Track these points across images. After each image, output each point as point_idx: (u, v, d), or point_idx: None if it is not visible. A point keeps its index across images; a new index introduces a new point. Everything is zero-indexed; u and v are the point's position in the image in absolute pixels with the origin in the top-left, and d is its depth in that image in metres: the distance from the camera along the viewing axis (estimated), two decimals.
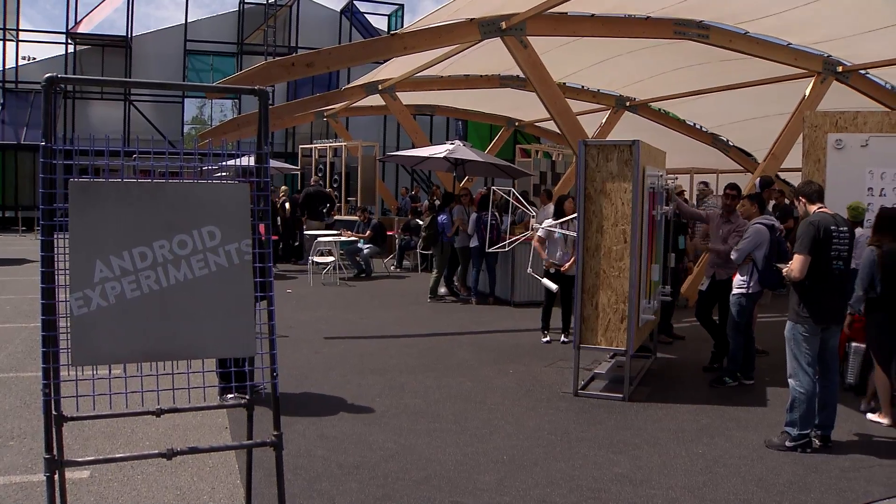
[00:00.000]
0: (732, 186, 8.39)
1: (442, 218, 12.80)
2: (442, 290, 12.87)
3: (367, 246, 15.60)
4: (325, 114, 21.42)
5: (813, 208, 5.97)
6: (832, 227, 5.74)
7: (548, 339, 9.33)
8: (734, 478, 5.15)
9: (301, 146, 23.90)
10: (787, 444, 5.72)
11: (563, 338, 9.36)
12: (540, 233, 9.22)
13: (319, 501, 4.56)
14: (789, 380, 5.83)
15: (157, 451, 3.37)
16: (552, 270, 9.03)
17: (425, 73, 15.77)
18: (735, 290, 7.41)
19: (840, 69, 12.59)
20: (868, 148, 8.72)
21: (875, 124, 8.84)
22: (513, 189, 11.09)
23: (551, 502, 4.65)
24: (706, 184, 14.29)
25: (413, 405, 6.62)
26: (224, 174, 4.02)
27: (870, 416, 6.51)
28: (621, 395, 6.94)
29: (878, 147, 8.69)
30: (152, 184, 3.33)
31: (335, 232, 15.85)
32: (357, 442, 5.62)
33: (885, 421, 6.37)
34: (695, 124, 18.53)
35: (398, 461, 5.25)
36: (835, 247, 5.73)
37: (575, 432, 6.02)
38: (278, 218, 16.95)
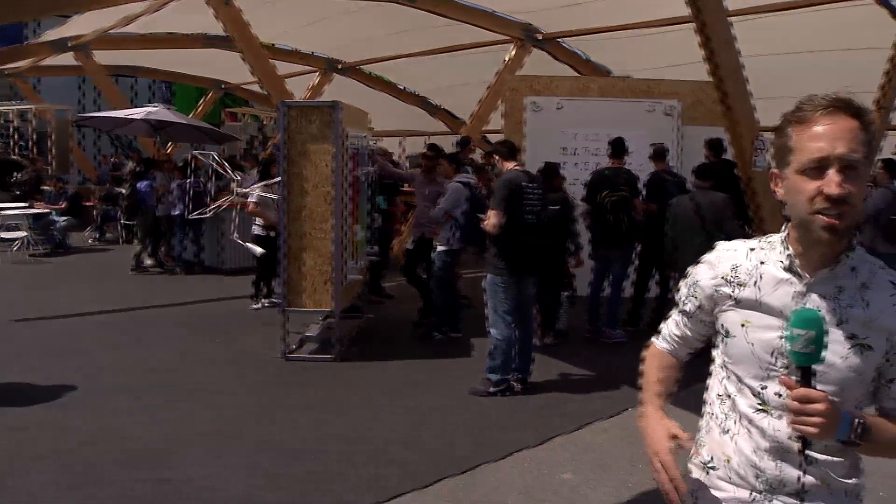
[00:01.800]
0: (431, 147, 8.78)
1: (143, 185, 12.11)
2: (147, 261, 12.21)
3: (63, 218, 14.37)
4: (8, 72, 19.20)
5: (507, 165, 6.37)
6: (525, 184, 6.17)
7: (258, 305, 9.24)
8: (442, 425, 5.50)
9: None
10: (490, 389, 6.15)
11: (264, 302, 9.37)
12: (253, 198, 9.07)
13: (6, 501, 4.19)
14: (489, 329, 6.24)
15: None
16: (271, 234, 8.90)
17: (124, 29, 14.64)
18: (437, 248, 7.79)
19: (538, 37, 13.54)
20: (561, 110, 9.59)
21: (568, 88, 9.74)
22: (214, 154, 10.76)
23: (260, 467, 4.67)
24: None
25: (115, 384, 6.27)
26: None
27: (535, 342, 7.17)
28: (332, 356, 7.09)
29: (570, 109, 9.60)
30: None
31: (23, 204, 14.39)
32: (52, 429, 5.24)
33: (537, 341, 7.10)
34: (406, 88, 19.08)
35: (98, 444, 4.97)
36: (527, 202, 6.17)
37: (285, 396, 6.08)
38: None
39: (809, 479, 1.67)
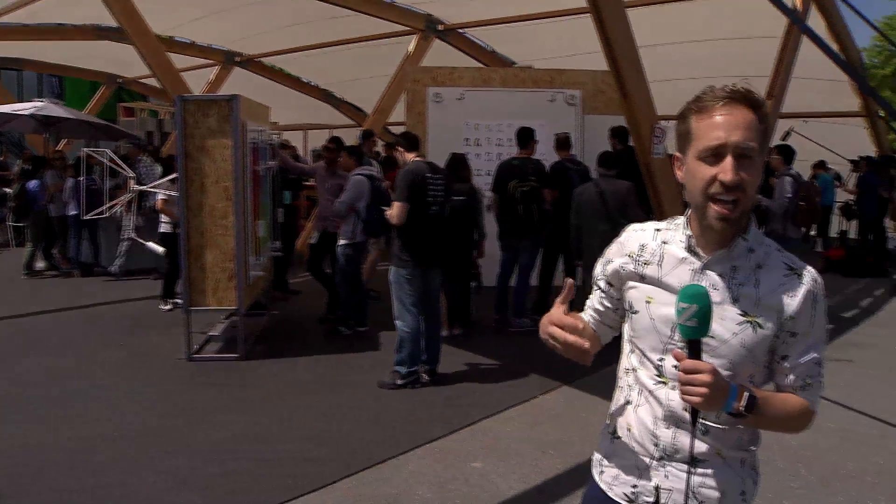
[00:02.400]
0: (332, 140, 8.73)
1: (32, 185, 11.61)
2: (40, 264, 11.72)
3: None
4: None
5: (410, 157, 6.39)
6: (428, 175, 6.19)
7: (169, 306, 8.98)
8: (351, 420, 5.47)
9: None
10: (398, 381, 6.17)
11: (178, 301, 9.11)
12: (161, 196, 8.80)
13: None
14: (396, 321, 6.25)
15: None
16: (178, 231, 8.65)
17: (6, 19, 13.95)
18: (341, 241, 7.74)
19: (441, 27, 13.60)
20: (464, 101, 9.62)
21: (470, 79, 9.77)
22: (108, 151, 10.41)
23: (168, 470, 4.56)
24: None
25: (13, 392, 6.03)
26: None
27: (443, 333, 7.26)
28: (237, 355, 6.98)
29: (472, 100, 9.64)
30: None
31: None
32: None
33: (445, 332, 7.25)
34: (309, 81, 18.88)
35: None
36: (430, 193, 6.19)
37: (190, 398, 5.94)
38: None
39: (701, 447, 1.77)
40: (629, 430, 1.88)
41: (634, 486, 1.87)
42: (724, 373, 1.70)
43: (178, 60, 13.56)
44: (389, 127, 16.43)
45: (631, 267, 1.88)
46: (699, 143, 1.69)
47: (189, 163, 6.75)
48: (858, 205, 13.75)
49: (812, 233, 15.38)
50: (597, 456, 2.02)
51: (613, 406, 1.98)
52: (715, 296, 1.70)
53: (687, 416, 1.74)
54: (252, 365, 6.86)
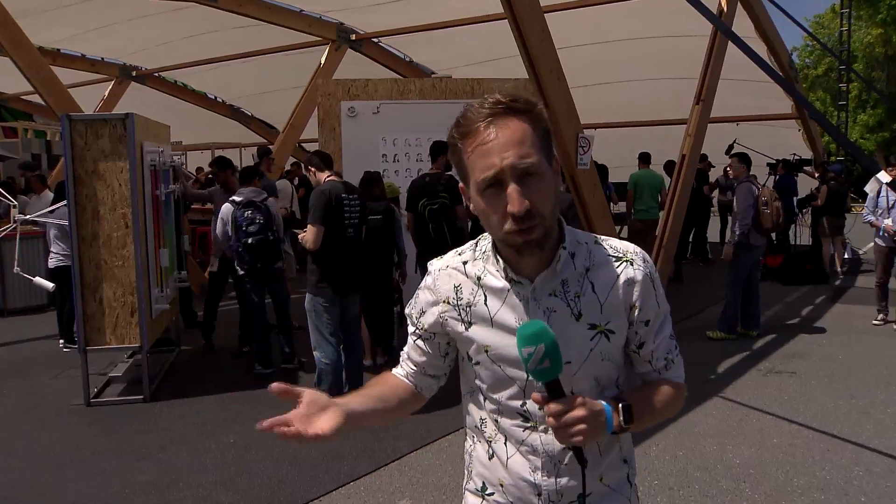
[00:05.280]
0: (215, 162, 8.71)
1: None
2: None
3: None
4: None
5: (323, 176, 6.36)
6: (343, 195, 6.18)
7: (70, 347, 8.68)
8: (267, 461, 5.39)
9: None
10: None
11: (60, 343, 8.92)
12: (54, 230, 8.54)
13: None
14: (314, 352, 6.20)
15: None
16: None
17: None
18: (239, 271, 7.58)
19: (354, 37, 13.62)
20: (379, 115, 9.57)
21: (385, 91, 9.73)
22: None
23: None
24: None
25: None
26: None
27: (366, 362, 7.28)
28: (142, 397, 6.82)
29: (388, 113, 9.59)
30: None
31: None
32: None
33: (367, 362, 7.31)
34: (215, 97, 18.66)
35: None
36: (346, 214, 6.19)
37: (89, 446, 5.77)
38: None
39: (589, 482, 1.71)
40: (502, 485, 1.79)
41: None
42: (591, 391, 1.68)
43: (67, 75, 13.25)
44: (303, 144, 16.35)
45: (454, 314, 1.77)
46: (475, 176, 1.58)
47: (80, 188, 6.57)
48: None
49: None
50: None
51: (474, 462, 1.87)
52: (556, 319, 1.66)
53: (567, 457, 1.70)
54: (158, 407, 6.70)
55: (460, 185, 1.70)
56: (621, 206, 13.16)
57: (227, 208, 7.35)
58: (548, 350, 1.51)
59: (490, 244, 1.74)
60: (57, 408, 6.70)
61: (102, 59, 16.07)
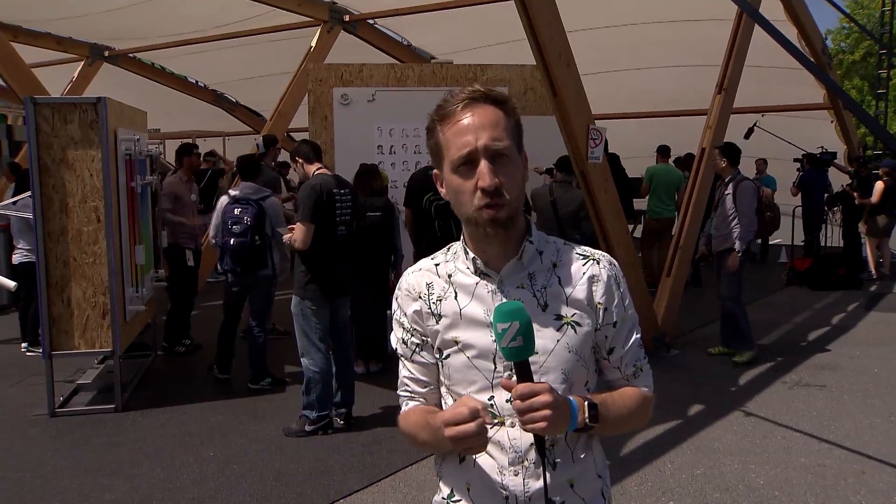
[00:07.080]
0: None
1: None
2: None
3: None
4: None
5: (312, 169, 6.24)
6: (334, 190, 6.08)
7: (35, 351, 8.60)
8: (251, 476, 5.35)
9: None
10: (307, 428, 6.05)
11: (23, 346, 8.90)
12: (18, 223, 8.48)
13: None
14: (302, 359, 6.13)
15: None
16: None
17: None
18: (219, 268, 7.55)
19: (347, 18, 13.49)
20: (375, 102, 9.50)
21: (381, 77, 9.63)
22: None
23: None
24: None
25: None
26: None
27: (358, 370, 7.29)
28: (113, 406, 6.76)
29: (385, 101, 9.51)
30: None
31: None
32: None
33: (360, 369, 7.35)
34: (197, 81, 18.56)
35: None
36: (338, 211, 6.09)
37: (53, 461, 5.70)
38: None
39: (554, 483, 1.82)
40: (469, 489, 1.90)
41: None
42: (560, 387, 1.79)
43: (31, 53, 13.12)
44: (292, 134, 16.25)
45: (427, 309, 1.92)
46: (450, 154, 1.78)
47: (46, 178, 6.49)
48: (803, 206, 13.95)
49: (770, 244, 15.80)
50: None
51: (444, 469, 1.98)
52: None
53: (533, 453, 1.78)
54: (132, 417, 6.65)
55: (434, 171, 1.91)
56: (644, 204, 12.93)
57: (222, 201, 7.29)
58: (522, 328, 1.64)
59: (461, 244, 1.92)
60: (16, 418, 6.64)
61: (70, 37, 15.88)
